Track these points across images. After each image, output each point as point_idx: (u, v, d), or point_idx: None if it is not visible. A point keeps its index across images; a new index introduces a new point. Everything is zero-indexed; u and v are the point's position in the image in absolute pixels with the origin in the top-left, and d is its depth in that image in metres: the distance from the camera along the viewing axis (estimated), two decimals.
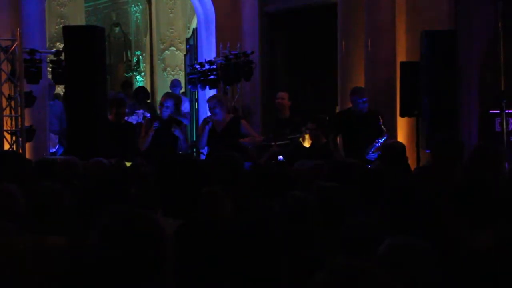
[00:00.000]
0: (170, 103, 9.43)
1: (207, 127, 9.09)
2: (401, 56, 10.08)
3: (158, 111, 9.76)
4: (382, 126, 8.66)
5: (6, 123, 10.33)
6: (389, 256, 2.63)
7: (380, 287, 2.13)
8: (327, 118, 9.31)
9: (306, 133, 9.30)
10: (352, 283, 2.10)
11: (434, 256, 2.67)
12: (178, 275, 3.18)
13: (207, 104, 9.39)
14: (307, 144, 9.25)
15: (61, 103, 12.55)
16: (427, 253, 2.66)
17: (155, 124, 9.25)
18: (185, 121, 13.21)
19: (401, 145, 6.69)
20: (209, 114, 9.43)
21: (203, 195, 3.88)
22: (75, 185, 5.26)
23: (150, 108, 13.07)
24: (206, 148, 9.60)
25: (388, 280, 2.16)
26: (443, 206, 3.46)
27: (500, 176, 4.80)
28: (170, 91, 13.66)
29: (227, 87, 12.37)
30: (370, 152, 8.58)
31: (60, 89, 14.10)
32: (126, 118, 10.69)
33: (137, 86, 16.44)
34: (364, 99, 8.89)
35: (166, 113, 9.40)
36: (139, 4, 18.03)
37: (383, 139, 8.59)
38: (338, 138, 9.17)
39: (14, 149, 10.22)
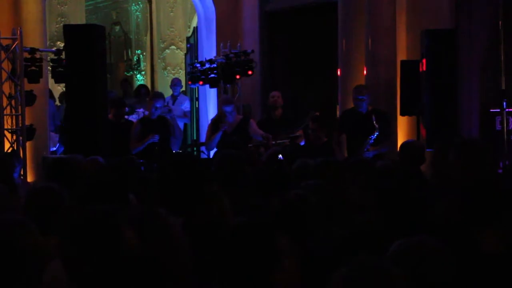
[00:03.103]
0: (160, 104, 9.43)
1: (222, 131, 9.12)
2: (402, 55, 10.08)
3: (148, 112, 9.67)
4: (375, 123, 8.59)
5: (7, 122, 10.34)
6: (402, 256, 2.62)
7: (397, 286, 2.15)
8: (317, 113, 9.32)
9: (300, 132, 9.38)
10: (371, 281, 2.12)
11: (448, 254, 2.66)
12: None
13: (224, 107, 9.35)
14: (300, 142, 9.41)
15: (52, 101, 12.58)
16: (440, 251, 2.66)
17: (156, 137, 9.17)
18: (186, 120, 13.23)
19: (420, 144, 6.66)
20: (214, 114, 9.45)
21: (203, 195, 3.88)
22: (75, 185, 5.25)
23: None
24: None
25: (404, 279, 2.18)
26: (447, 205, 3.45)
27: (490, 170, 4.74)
28: (170, 90, 13.67)
29: (228, 86, 12.38)
30: (365, 150, 8.58)
31: (60, 88, 14.11)
32: (126, 117, 10.72)
33: (138, 84, 16.47)
34: (361, 97, 8.87)
35: (155, 115, 9.36)
36: (139, 3, 18.03)
37: (374, 135, 8.56)
38: (343, 138, 9.15)
39: (15, 148, 10.22)
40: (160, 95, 9.99)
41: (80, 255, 2.45)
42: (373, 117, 8.61)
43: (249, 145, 9.19)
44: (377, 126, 8.54)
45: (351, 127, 8.90)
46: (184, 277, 2.82)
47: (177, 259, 2.84)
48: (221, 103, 9.44)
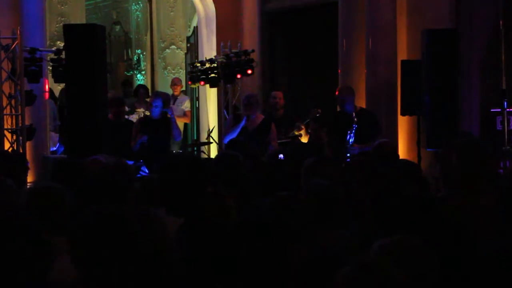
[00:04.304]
0: (159, 102, 9.61)
1: (242, 124, 9.15)
2: (402, 54, 10.08)
3: (148, 111, 9.88)
4: (354, 118, 8.59)
5: (7, 121, 10.33)
6: (383, 255, 2.62)
7: (398, 286, 2.16)
8: (319, 110, 9.34)
9: (302, 129, 9.38)
10: (373, 281, 2.13)
11: (428, 252, 2.66)
12: (180, 273, 3.19)
13: (244, 101, 9.40)
14: (304, 140, 9.39)
15: (53, 101, 12.58)
16: (421, 250, 2.66)
17: (144, 138, 9.33)
18: (186, 120, 13.23)
19: (392, 144, 6.68)
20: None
21: (206, 195, 3.87)
22: (76, 184, 5.25)
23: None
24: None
25: (404, 279, 2.19)
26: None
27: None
28: (170, 90, 13.67)
29: (228, 85, 12.37)
30: (349, 146, 8.59)
31: (60, 88, 14.09)
32: (127, 116, 10.74)
33: (137, 84, 16.47)
34: (341, 98, 8.88)
35: (156, 112, 9.54)
36: (139, 2, 18.03)
37: (353, 130, 8.54)
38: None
39: (15, 148, 10.21)
40: (159, 94, 10.07)
41: (91, 254, 2.45)
42: (354, 114, 8.62)
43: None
44: (355, 119, 8.55)
45: (340, 128, 8.87)
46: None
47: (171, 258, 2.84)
48: (244, 100, 9.52)
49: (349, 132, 8.54)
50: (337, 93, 9.06)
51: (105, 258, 2.45)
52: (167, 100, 11.76)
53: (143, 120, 9.82)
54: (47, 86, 11.23)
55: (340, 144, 8.72)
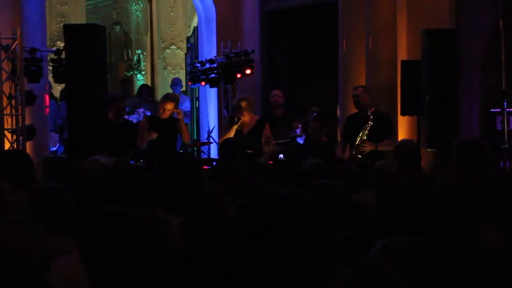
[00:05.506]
0: (171, 107, 9.58)
1: (237, 129, 9.14)
2: (402, 55, 10.07)
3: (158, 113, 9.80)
4: (369, 115, 8.61)
5: (7, 121, 10.34)
6: (382, 257, 2.63)
7: (398, 285, 2.16)
8: (316, 108, 9.36)
9: (298, 127, 9.40)
10: (373, 282, 2.13)
11: (429, 253, 2.67)
12: (180, 272, 3.19)
13: (234, 103, 9.41)
14: (301, 138, 9.45)
15: (53, 101, 12.58)
16: (421, 250, 2.66)
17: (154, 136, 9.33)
18: (186, 120, 13.24)
19: (413, 143, 6.69)
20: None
21: (205, 195, 3.88)
22: (76, 184, 5.25)
23: (152, 105, 13.08)
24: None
25: (404, 281, 2.19)
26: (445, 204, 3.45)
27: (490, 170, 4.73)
28: (170, 90, 13.67)
29: (228, 85, 12.38)
30: (359, 143, 8.58)
31: (60, 88, 14.10)
32: (126, 116, 10.73)
33: (140, 84, 16.47)
34: (354, 94, 8.90)
35: (167, 116, 9.52)
36: (139, 2, 18.02)
37: (368, 126, 8.55)
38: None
39: (15, 148, 10.22)
40: (171, 99, 10.03)
41: (101, 255, 2.45)
42: (369, 112, 8.64)
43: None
44: (371, 117, 8.56)
45: (354, 132, 8.83)
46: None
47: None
48: (237, 100, 9.52)
49: (363, 128, 8.55)
50: (352, 92, 9.06)
51: (117, 259, 2.45)
52: (178, 102, 11.77)
53: (152, 119, 9.72)
54: (47, 100, 11.25)
55: (351, 142, 8.74)
